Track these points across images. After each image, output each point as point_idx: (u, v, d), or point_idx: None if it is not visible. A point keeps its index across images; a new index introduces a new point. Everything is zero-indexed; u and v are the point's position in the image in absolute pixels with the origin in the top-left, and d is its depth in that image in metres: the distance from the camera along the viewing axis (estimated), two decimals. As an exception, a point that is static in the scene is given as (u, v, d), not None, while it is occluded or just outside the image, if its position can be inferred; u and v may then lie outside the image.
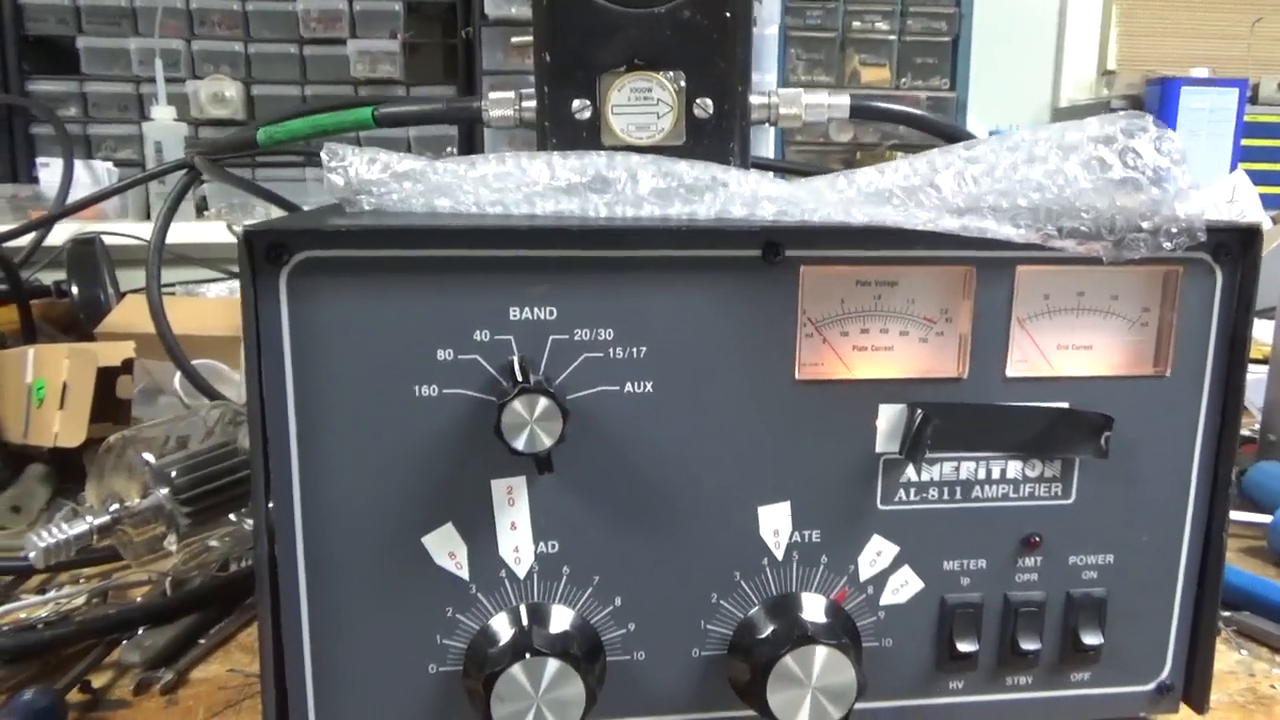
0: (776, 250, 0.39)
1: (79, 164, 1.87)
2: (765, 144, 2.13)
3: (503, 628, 0.40)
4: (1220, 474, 0.44)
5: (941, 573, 0.43)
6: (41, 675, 0.50)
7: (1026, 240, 0.39)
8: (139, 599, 0.58)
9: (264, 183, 0.89)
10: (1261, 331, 0.80)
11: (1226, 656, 0.54)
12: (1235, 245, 0.42)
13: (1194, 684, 0.45)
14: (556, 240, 0.39)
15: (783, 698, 0.39)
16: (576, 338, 0.39)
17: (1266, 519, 0.68)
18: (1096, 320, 0.43)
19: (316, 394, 0.38)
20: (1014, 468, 0.43)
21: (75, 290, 1.01)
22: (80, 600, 0.58)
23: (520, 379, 0.37)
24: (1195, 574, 0.45)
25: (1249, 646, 0.55)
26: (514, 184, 0.41)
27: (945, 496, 0.43)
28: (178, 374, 0.78)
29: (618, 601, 0.41)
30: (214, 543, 0.58)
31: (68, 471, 0.74)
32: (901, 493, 0.42)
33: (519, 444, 0.36)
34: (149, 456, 0.55)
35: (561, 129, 0.48)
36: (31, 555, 0.50)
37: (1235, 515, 0.63)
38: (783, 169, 1.55)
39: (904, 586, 0.43)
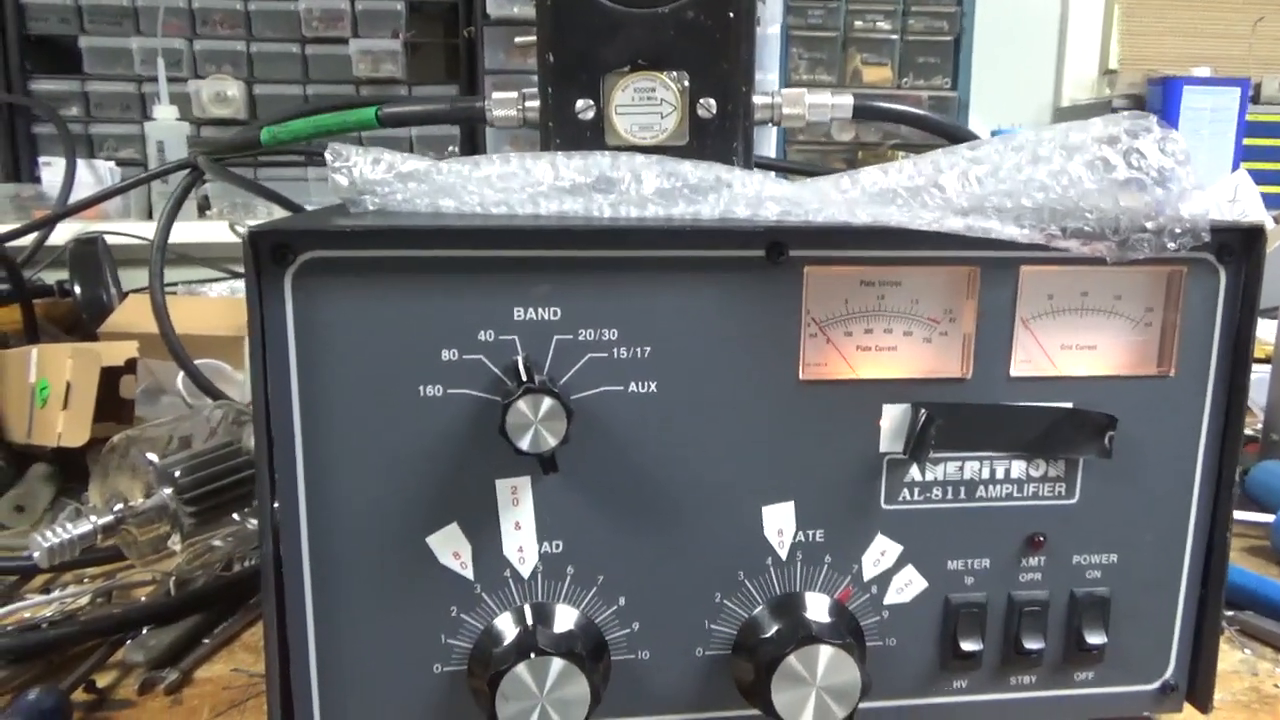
0: (780, 250, 0.39)
1: (81, 164, 1.87)
2: (767, 143, 2.12)
3: (507, 627, 0.40)
4: (1224, 474, 0.44)
5: (945, 572, 0.43)
6: (46, 675, 0.50)
7: (1030, 240, 0.39)
8: (143, 599, 0.58)
9: (266, 182, 0.89)
10: (1265, 331, 0.81)
11: (1230, 656, 0.54)
12: (1239, 245, 0.42)
13: (1198, 683, 0.45)
14: (561, 240, 0.39)
15: (787, 697, 0.39)
16: (581, 338, 0.39)
17: (1269, 519, 0.68)
18: (1100, 320, 0.43)
19: (321, 394, 0.38)
20: (1018, 467, 0.43)
21: (78, 290, 1.01)
22: (84, 600, 0.58)
23: (525, 379, 0.37)
24: (1199, 573, 0.45)
25: (1252, 646, 0.55)
26: (518, 184, 0.41)
27: (949, 496, 0.43)
28: (180, 374, 0.78)
29: (622, 601, 0.41)
30: (218, 542, 0.58)
31: (71, 471, 0.74)
32: (905, 492, 0.42)
33: (523, 444, 0.36)
34: (153, 456, 0.55)
35: (565, 129, 0.48)
36: (36, 555, 0.50)
37: (1238, 515, 0.63)
38: (786, 169, 1.55)
39: (908, 586, 0.43)
